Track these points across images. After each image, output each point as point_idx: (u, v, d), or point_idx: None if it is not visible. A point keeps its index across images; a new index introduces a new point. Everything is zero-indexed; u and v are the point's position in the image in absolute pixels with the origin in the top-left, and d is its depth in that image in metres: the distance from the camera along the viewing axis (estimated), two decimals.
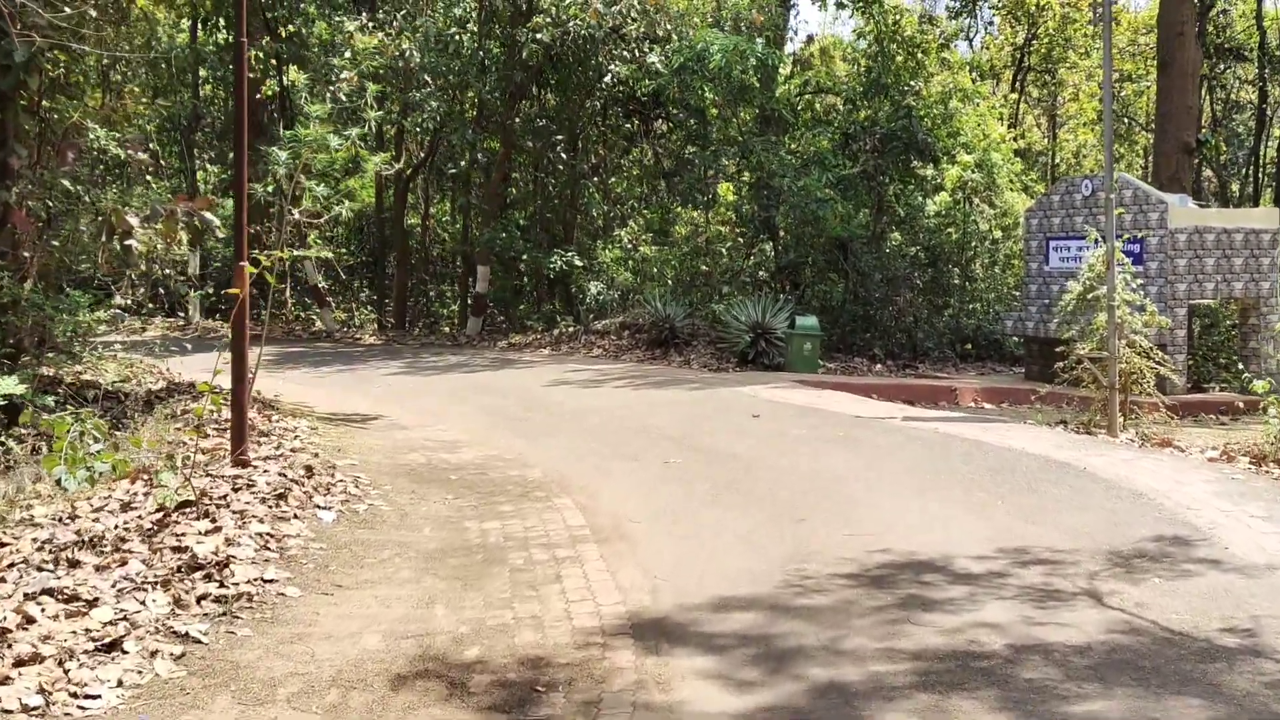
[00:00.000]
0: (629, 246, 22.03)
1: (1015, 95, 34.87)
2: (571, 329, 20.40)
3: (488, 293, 22.01)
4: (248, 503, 7.34)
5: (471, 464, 10.04)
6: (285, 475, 8.13)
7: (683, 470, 9.34)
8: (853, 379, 16.63)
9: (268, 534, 6.83)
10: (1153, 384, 11.59)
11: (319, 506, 7.69)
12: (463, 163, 22.49)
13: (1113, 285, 11.10)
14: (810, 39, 27.95)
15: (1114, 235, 11.24)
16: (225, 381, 8.60)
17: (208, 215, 10.47)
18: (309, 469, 8.59)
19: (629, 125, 23.69)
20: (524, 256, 21.23)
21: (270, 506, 7.37)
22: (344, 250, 29.09)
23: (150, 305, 26.70)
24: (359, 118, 26.75)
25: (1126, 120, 34.99)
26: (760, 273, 21.17)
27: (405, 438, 11.44)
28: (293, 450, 9.45)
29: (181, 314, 25.69)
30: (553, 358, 18.92)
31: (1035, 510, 7.70)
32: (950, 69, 27.10)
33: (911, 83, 22.90)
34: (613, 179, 23.43)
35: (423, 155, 25.97)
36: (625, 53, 20.44)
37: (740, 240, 21.86)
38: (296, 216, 10.67)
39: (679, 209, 23.52)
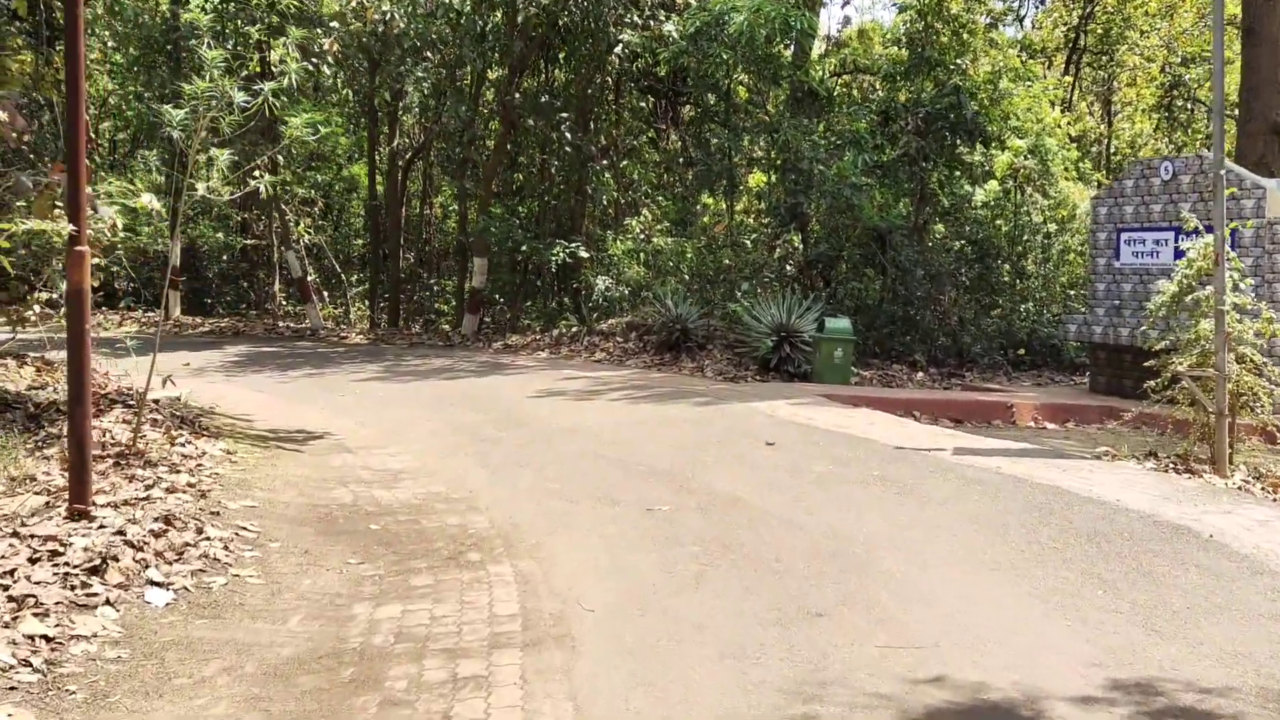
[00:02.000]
0: (641, 237, 19.83)
1: (1069, 78, 32.37)
2: (574, 329, 18.24)
3: (485, 288, 19.88)
4: (39, 581, 5.23)
5: (406, 506, 7.91)
6: (125, 534, 6.02)
7: (668, 523, 7.16)
8: (890, 392, 14.36)
9: (41, 637, 4.72)
10: (1270, 409, 9.27)
11: (152, 582, 5.57)
12: (457, 146, 20.35)
13: (1222, 286, 8.81)
14: (847, 20, 25.67)
15: (1223, 222, 8.94)
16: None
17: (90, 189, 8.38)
18: (169, 520, 6.48)
19: (644, 104, 21.50)
20: (523, 247, 19.09)
21: (74, 587, 5.26)
22: (337, 240, 27.10)
23: (129, 299, 24.86)
24: (333, 91, 24.74)
25: (1190, 106, 32.38)
26: (787, 267, 18.92)
27: (341, 465, 9.34)
28: (169, 490, 7.35)
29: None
30: (549, 362, 16.76)
31: (1156, 611, 5.44)
32: (999, 49, 24.77)
33: (958, 61, 20.59)
34: (625, 162, 21.22)
35: (422, 137, 23.90)
36: (637, 19, 18.24)
37: (765, 231, 19.62)
38: (201, 192, 8.53)
39: (705, 198, 21.31)
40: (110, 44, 23.73)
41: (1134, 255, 15.27)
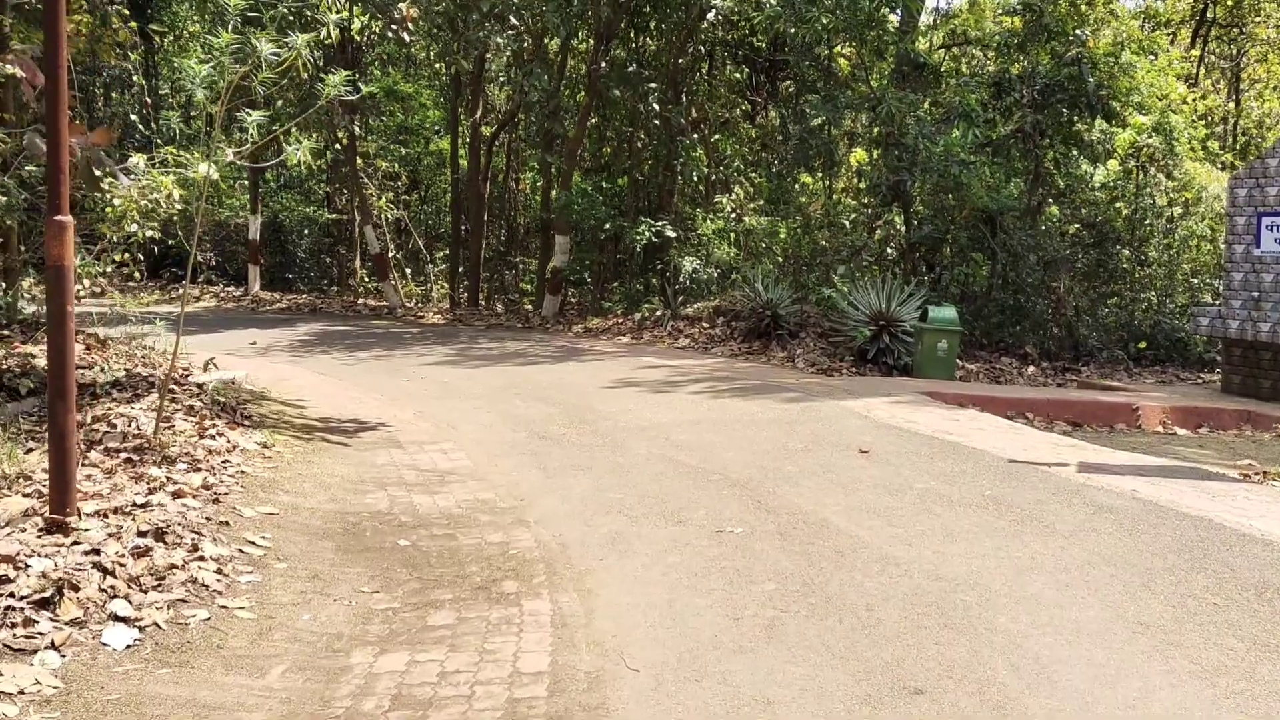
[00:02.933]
0: (732, 216, 18.67)
1: (1195, 52, 30.24)
2: (658, 313, 17.20)
3: (565, 268, 18.92)
4: None
5: (446, 516, 6.98)
6: (101, 553, 5.17)
7: (740, 551, 6.10)
8: (999, 389, 13.06)
9: None
10: None
11: (116, 618, 4.69)
12: (541, 118, 19.36)
13: None
14: None
15: None
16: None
17: (103, 154, 7.59)
18: (161, 534, 5.62)
19: (739, 75, 20.30)
20: (606, 225, 18.08)
21: (14, 625, 4.40)
22: (425, 216, 26.42)
23: (211, 273, 24.49)
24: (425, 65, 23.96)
25: None
26: (888, 250, 17.63)
27: (386, 463, 8.46)
28: (177, 494, 6.51)
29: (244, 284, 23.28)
30: (629, 348, 15.76)
31: None
32: (1119, 20, 23.00)
33: (1077, 31, 19.00)
34: (717, 137, 20.05)
35: (510, 109, 23.02)
36: None
37: (864, 211, 18.33)
38: (230, 157, 7.68)
39: (803, 177, 20.05)
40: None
41: (1276, 242, 13.71)
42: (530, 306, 21.25)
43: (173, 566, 5.26)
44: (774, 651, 4.69)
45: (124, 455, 7.28)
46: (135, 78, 7.34)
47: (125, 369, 11.39)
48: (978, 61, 21.88)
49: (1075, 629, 4.89)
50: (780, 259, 18.07)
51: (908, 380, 13.19)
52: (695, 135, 19.35)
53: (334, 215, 24.70)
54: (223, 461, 7.70)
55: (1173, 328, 17.56)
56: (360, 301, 21.70)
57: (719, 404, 10.90)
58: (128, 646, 4.50)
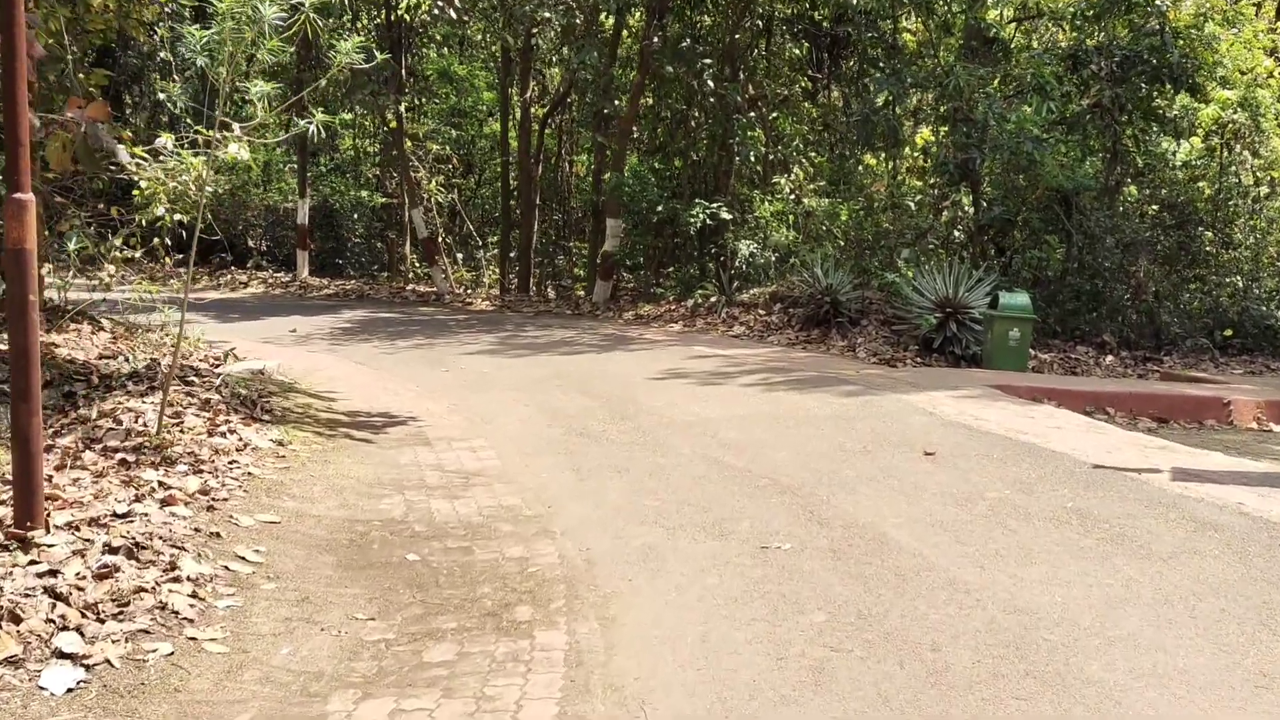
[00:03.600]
0: (791, 198, 17.84)
1: None
2: (712, 299, 16.43)
3: (616, 252, 18.22)
4: None
5: (465, 525, 6.34)
6: (60, 574, 4.58)
7: (788, 572, 5.37)
8: (1075, 381, 12.15)
9: None
10: None
11: (62, 654, 4.09)
12: (592, 97, 18.66)
13: None
14: None
15: None
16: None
17: (101, 129, 7.02)
18: (134, 550, 5.03)
19: (798, 50, 19.42)
20: (659, 207, 17.35)
21: None
22: (481, 200, 25.86)
23: (260, 258, 24.16)
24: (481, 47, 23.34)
25: None
26: (954, 233, 16.70)
27: (410, 463, 7.85)
28: (167, 501, 5.92)
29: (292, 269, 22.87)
30: (681, 336, 15.04)
31: None
32: None
33: (1156, 2, 17.88)
34: (775, 115, 19.20)
35: (562, 89, 22.34)
36: None
37: (930, 192, 17.40)
38: (237, 132, 7.09)
39: (867, 158, 19.16)
40: None
41: None
42: (582, 293, 20.60)
43: (141, 590, 4.66)
44: (823, 703, 3.97)
45: (121, 455, 6.72)
46: (162, 54, 6.82)
47: (151, 359, 10.92)
48: (1049, 35, 20.80)
49: (1184, 680, 4.11)
50: (841, 242, 17.23)
51: (976, 371, 12.33)
52: (752, 114, 18.52)
53: (385, 199, 24.20)
54: (229, 462, 7.12)
55: (1261, 314, 16.45)
56: (409, 288, 21.19)
57: (772, 398, 10.15)
58: (69, 690, 3.89)
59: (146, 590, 4.68)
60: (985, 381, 11.13)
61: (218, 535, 5.67)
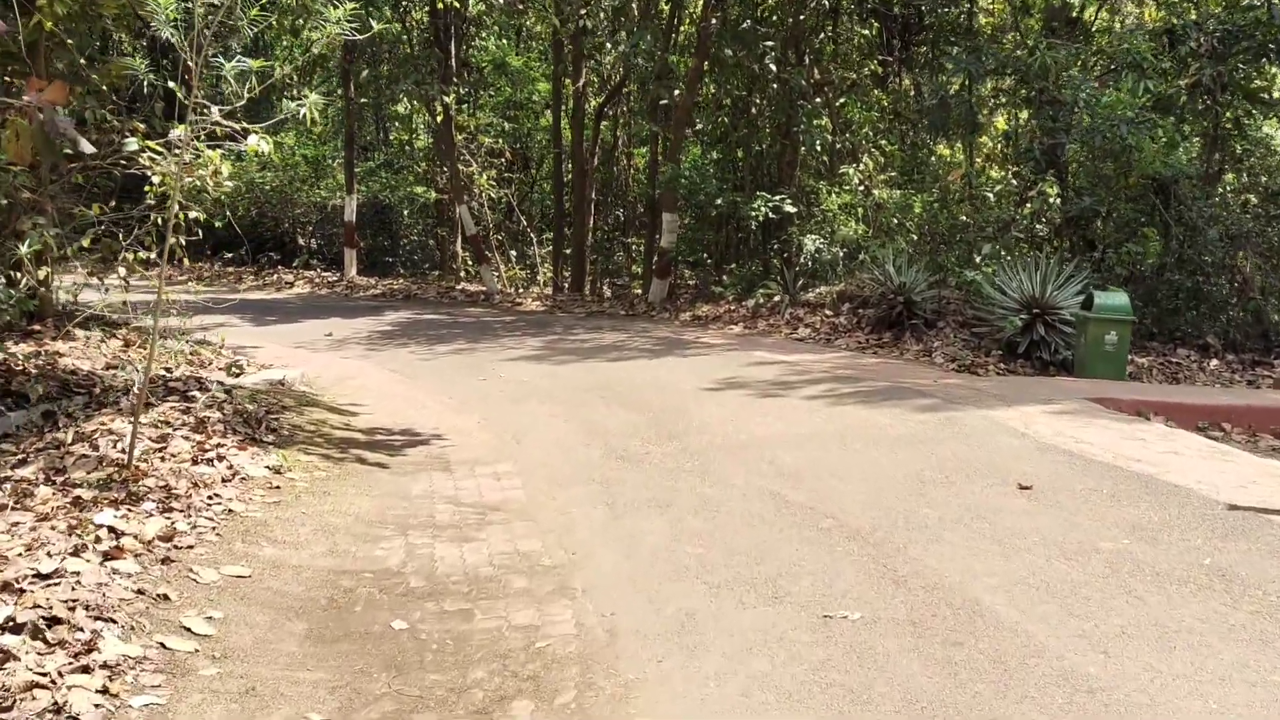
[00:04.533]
0: (860, 189, 16.62)
1: None
2: (775, 299, 15.28)
3: (673, 248, 17.13)
4: None
5: (470, 579, 5.33)
6: None
7: (855, 652, 4.28)
8: (1183, 393, 10.85)
9: None
10: None
11: None
12: (648, 84, 17.58)
13: None
14: None
15: None
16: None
17: (60, 114, 6.10)
18: (43, 627, 4.08)
19: (867, 31, 18.18)
20: (718, 200, 16.23)
21: None
22: (538, 196, 24.91)
23: (308, 256, 23.45)
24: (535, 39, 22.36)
25: None
26: (1038, 226, 15.35)
27: (423, 494, 6.87)
28: (111, 554, 4.98)
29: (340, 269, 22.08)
30: (741, 339, 13.92)
31: None
32: None
33: None
34: (843, 100, 17.96)
35: (618, 77, 21.30)
36: None
37: (1011, 181, 16.07)
38: (215, 116, 6.14)
39: (939, 149, 17.90)
40: None
41: None
42: (639, 292, 19.55)
43: (35, 685, 3.70)
44: None
45: (79, 491, 5.81)
46: (169, 34, 5.96)
47: (165, 369, 10.08)
48: (1133, 16, 19.36)
49: None
50: (914, 237, 15.97)
51: (1068, 380, 11.08)
52: (818, 100, 17.32)
53: (436, 194, 23.34)
54: (209, 497, 6.18)
55: None
56: (458, 287, 20.28)
57: (839, 413, 9.02)
58: None
59: (42, 685, 3.72)
60: (1081, 393, 9.89)
61: (165, 598, 4.72)
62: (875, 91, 18.93)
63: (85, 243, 7.47)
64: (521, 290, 20.34)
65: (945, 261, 14.78)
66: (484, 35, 27.21)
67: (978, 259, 14.41)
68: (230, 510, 6.09)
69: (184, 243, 10.81)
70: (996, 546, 5.55)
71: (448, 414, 9.49)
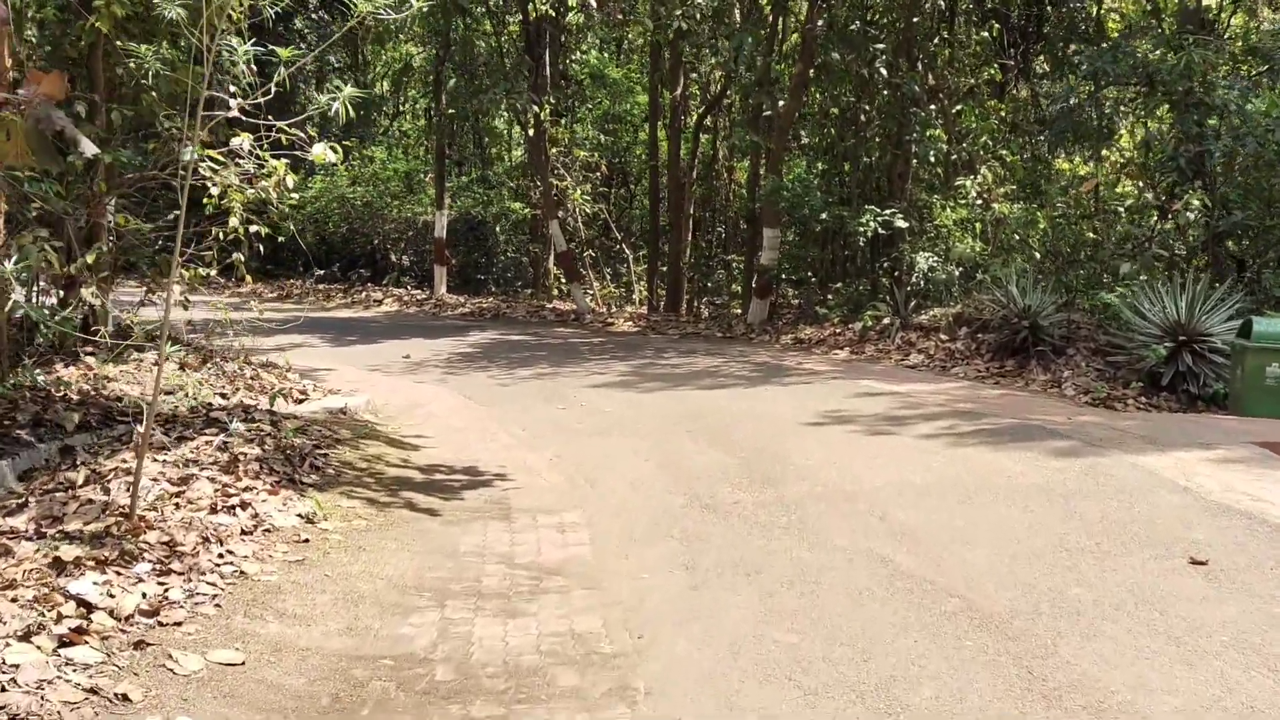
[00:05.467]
0: (978, 203, 15.32)
1: None
2: (884, 321, 14.07)
3: (773, 266, 16.00)
4: None
5: (507, 672, 4.38)
6: None
7: None
8: None
9: None
10: None
11: None
12: (749, 92, 16.52)
13: None
14: None
15: None
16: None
17: (54, 109, 5.29)
18: None
19: (986, 33, 16.89)
20: (823, 215, 15.08)
21: None
22: (637, 213, 24.01)
23: (398, 274, 22.89)
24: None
25: None
26: (1178, 245, 13.88)
27: (474, 550, 5.94)
28: (70, 638, 4.11)
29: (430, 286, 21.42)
30: (847, 366, 12.75)
31: None
32: None
33: None
34: (960, 108, 16.66)
35: (718, 87, 20.31)
36: None
37: (1149, 194, 14.60)
38: (233, 108, 5.32)
39: (1059, 163, 16.47)
40: None
41: None
42: (739, 312, 18.46)
43: None
44: None
45: (60, 550, 4.97)
46: (175, 13, 5.25)
47: (221, 394, 9.34)
48: (1268, 21, 17.72)
49: None
50: (1038, 255, 14.60)
51: (1224, 419, 9.70)
52: (932, 107, 16.08)
53: (529, 210, 22.57)
54: (219, 556, 5.31)
55: None
56: (549, 306, 19.43)
57: (960, 456, 7.83)
58: None
59: None
60: (1245, 435, 8.53)
61: (125, 698, 3.81)
62: (992, 101, 17.58)
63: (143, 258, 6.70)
64: (615, 309, 19.41)
65: (1073, 282, 13.42)
66: (584, 48, 26.49)
67: (1112, 279, 13.01)
68: (242, 572, 5.20)
69: (244, 258, 10.05)
70: (1173, 648, 4.36)
71: (518, 448, 8.56)
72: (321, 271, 23.46)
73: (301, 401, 9.81)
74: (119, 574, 4.80)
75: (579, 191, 21.39)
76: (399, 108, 28.41)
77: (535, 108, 17.28)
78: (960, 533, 5.99)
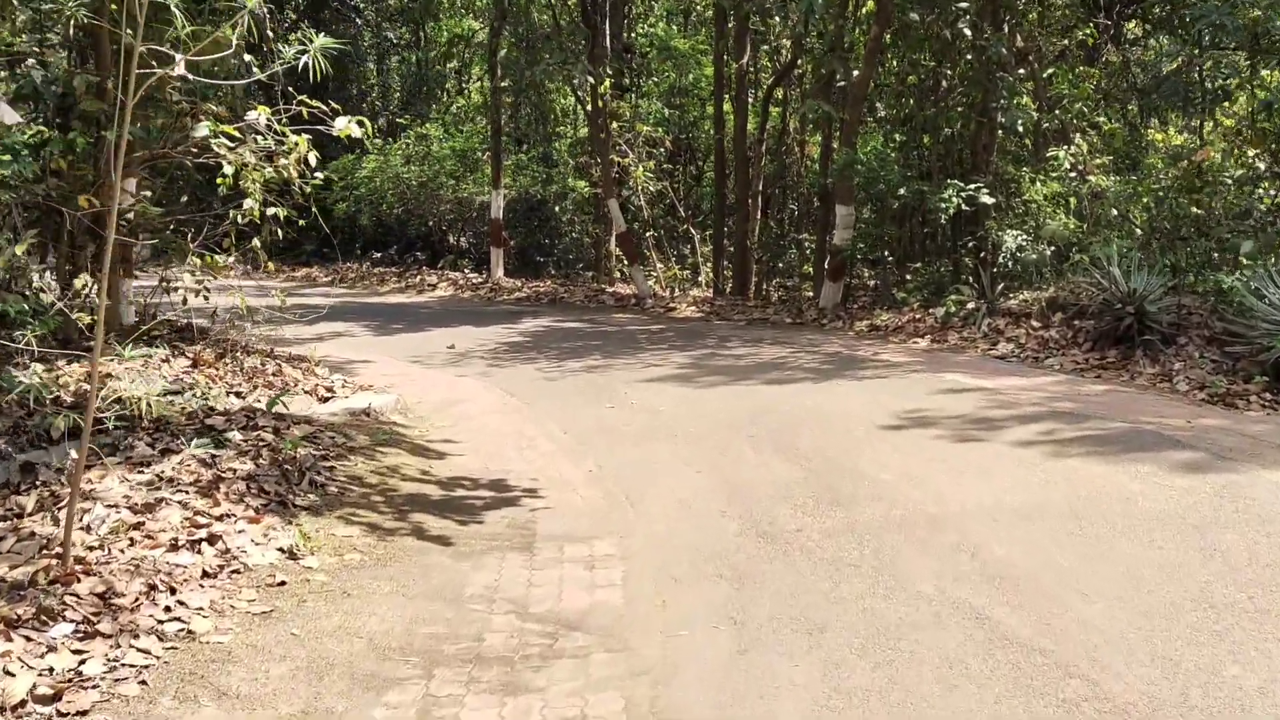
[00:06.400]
0: (1072, 176, 13.97)
1: None
2: (968, 306, 12.83)
3: (847, 246, 14.80)
4: None
5: None
6: None
7: None
8: None
9: None
10: None
11: None
12: (821, 60, 15.31)
13: None
14: None
15: None
16: None
17: None
18: None
19: None
20: (901, 190, 13.85)
21: None
22: (704, 191, 22.89)
23: (454, 256, 22.05)
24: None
25: None
26: None
27: (477, 594, 4.99)
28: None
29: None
30: (927, 356, 11.56)
31: None
32: None
33: None
34: (1051, 71, 15.27)
35: (788, 56, 19.08)
36: None
37: (1260, 163, 13.15)
38: (181, 66, 4.36)
39: (1154, 134, 15.09)
40: None
41: None
42: (810, 294, 17.30)
43: None
44: None
45: None
46: None
47: (237, 392, 8.50)
48: None
49: None
50: (1139, 233, 13.24)
51: None
52: (1021, 72, 14.74)
53: (590, 188, 21.56)
54: (165, 610, 4.39)
55: None
56: (608, 290, 18.43)
57: (1064, 470, 6.68)
58: None
59: None
60: None
61: None
62: (1084, 67, 16.14)
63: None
64: (679, 293, 18.33)
65: (1183, 263, 12.07)
66: (650, 19, 25.37)
67: (1228, 259, 11.65)
68: (189, 631, 4.29)
69: (264, 242, 9.16)
70: None
71: (555, 457, 7.59)
72: (379, 254, 22.74)
73: (327, 400, 8.95)
74: (28, 639, 3.91)
75: (642, 169, 20.32)
76: (462, 85, 27.57)
77: (591, 79, 16.22)
78: (1071, 577, 4.87)
